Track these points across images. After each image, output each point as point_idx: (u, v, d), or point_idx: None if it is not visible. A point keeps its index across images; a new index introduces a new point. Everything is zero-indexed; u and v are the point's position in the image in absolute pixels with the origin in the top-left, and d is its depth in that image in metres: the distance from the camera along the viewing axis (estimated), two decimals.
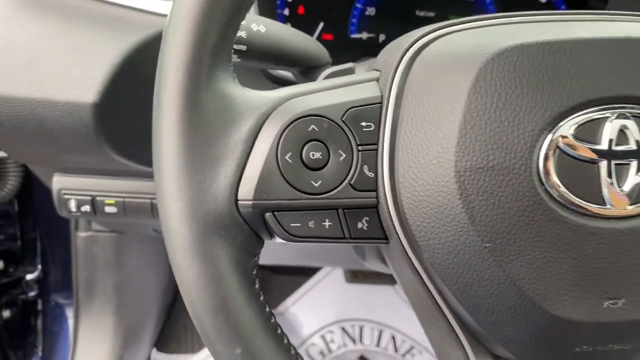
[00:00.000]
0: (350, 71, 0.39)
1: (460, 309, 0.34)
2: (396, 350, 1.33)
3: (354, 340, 1.33)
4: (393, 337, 1.33)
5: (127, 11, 0.54)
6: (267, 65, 0.45)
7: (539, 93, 0.30)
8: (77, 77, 0.49)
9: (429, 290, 0.34)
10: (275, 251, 1.04)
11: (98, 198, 0.64)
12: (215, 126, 0.30)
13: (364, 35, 0.72)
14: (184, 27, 0.29)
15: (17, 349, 1.13)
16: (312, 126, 0.32)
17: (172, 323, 1.24)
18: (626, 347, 0.34)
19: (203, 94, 0.30)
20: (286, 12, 0.71)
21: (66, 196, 0.64)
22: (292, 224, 0.33)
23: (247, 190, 0.31)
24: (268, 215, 0.32)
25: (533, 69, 0.30)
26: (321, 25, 0.71)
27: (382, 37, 0.73)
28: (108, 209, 0.64)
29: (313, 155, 0.32)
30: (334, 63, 0.70)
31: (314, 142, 0.32)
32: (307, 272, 1.41)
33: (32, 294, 1.11)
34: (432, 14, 0.72)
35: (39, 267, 1.10)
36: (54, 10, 0.52)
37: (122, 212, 0.64)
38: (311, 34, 0.72)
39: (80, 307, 1.05)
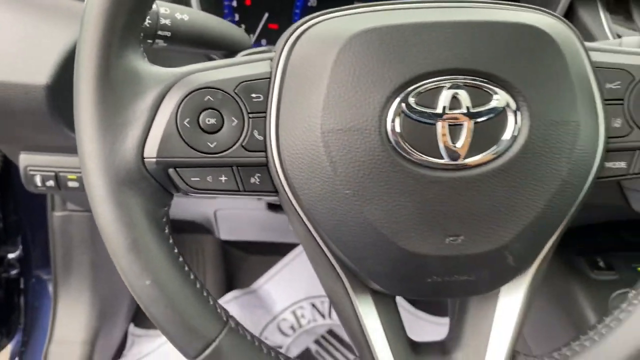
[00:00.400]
0: (265, 52, 0.45)
1: (334, 247, 0.40)
2: None
3: (323, 315, 1.41)
4: None
5: (77, 3, 0.61)
6: (192, 48, 0.51)
7: (387, 67, 0.37)
8: (31, 62, 0.56)
9: (311, 232, 0.41)
10: (245, 228, 1.11)
11: (61, 174, 0.70)
12: (123, 96, 0.37)
13: None
14: (96, 16, 0.36)
15: (1, 325, 1.20)
16: (208, 97, 0.39)
17: None
18: (470, 278, 0.41)
19: (113, 70, 0.37)
20: (234, 3, 0.77)
21: (32, 172, 0.71)
22: (192, 178, 0.39)
23: (151, 149, 0.38)
24: (171, 170, 0.39)
25: (382, 47, 0.37)
26: (266, 15, 0.78)
27: None
28: (70, 184, 0.71)
29: (209, 121, 0.39)
30: None
31: (209, 110, 0.39)
32: (279, 252, 1.48)
33: (14, 272, 1.18)
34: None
35: (20, 246, 1.17)
36: (11, 3, 0.59)
37: (83, 187, 0.70)
38: (257, 23, 0.78)
39: (59, 283, 1.12)
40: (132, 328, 1.32)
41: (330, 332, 1.39)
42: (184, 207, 0.98)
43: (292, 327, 1.39)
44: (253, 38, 0.79)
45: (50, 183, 0.71)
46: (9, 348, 1.22)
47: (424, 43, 0.37)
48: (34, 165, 0.71)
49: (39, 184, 0.71)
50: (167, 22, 0.48)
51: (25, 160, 0.71)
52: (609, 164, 0.42)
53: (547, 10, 0.41)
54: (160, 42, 0.49)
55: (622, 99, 0.41)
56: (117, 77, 0.37)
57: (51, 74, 0.56)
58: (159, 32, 0.48)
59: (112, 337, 1.22)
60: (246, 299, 1.40)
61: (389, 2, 0.41)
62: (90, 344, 1.11)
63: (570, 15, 0.69)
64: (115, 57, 0.37)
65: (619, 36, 0.67)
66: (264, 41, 0.79)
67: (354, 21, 0.39)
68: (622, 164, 0.42)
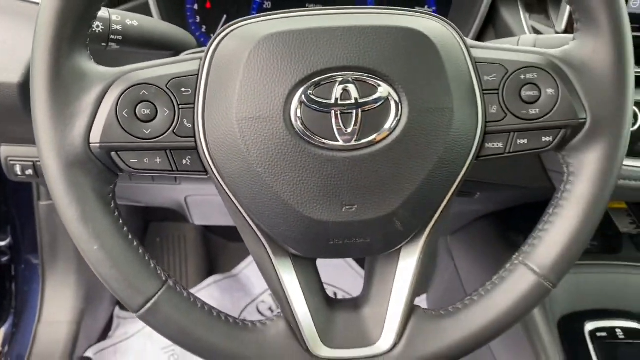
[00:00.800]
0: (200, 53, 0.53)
1: (255, 218, 0.48)
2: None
3: None
4: (335, 294, 1.49)
5: None
6: (142, 49, 0.59)
7: (289, 65, 0.44)
8: (4, 61, 0.64)
9: (235, 205, 0.49)
10: (216, 213, 1.18)
11: (38, 163, 0.78)
12: (72, 92, 0.45)
13: None
14: (47, 24, 0.43)
15: None
16: (144, 91, 0.46)
17: None
18: (366, 240, 0.48)
19: (63, 69, 0.44)
20: (195, 6, 0.85)
21: (12, 162, 0.78)
22: (131, 160, 0.47)
23: (95, 136, 0.45)
24: (113, 154, 0.46)
25: (285, 48, 0.44)
26: (225, 17, 0.85)
27: None
28: None
29: (144, 111, 0.46)
30: None
31: (145, 102, 0.46)
32: None
33: (4, 259, 1.26)
34: (320, 5, 0.86)
35: (10, 235, 1.24)
36: None
37: None
38: (217, 24, 0.86)
39: (46, 267, 1.20)
40: (117, 311, 1.40)
41: None
42: (155, 194, 1.05)
43: (271, 309, 1.47)
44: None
45: (29, 172, 0.79)
46: (2, 330, 1.31)
47: (319, 45, 0.44)
48: (14, 156, 0.78)
49: (19, 172, 0.79)
50: (119, 27, 0.56)
51: (5, 151, 0.78)
52: (488, 145, 0.49)
53: (437, 16, 0.49)
54: (113, 45, 0.57)
55: (497, 89, 0.48)
56: (66, 75, 0.44)
57: (23, 73, 0.64)
58: (112, 36, 0.56)
59: (98, 319, 1.30)
60: (227, 282, 1.48)
61: (300, 10, 0.48)
62: (77, 324, 1.19)
63: (493, 13, 0.77)
64: (64, 59, 0.44)
65: (539, 32, 0.75)
66: None
67: (265, 26, 0.46)
68: (499, 145, 0.49)
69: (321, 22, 0.46)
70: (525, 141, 0.49)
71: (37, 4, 0.69)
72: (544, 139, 0.49)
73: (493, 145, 0.49)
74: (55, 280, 1.20)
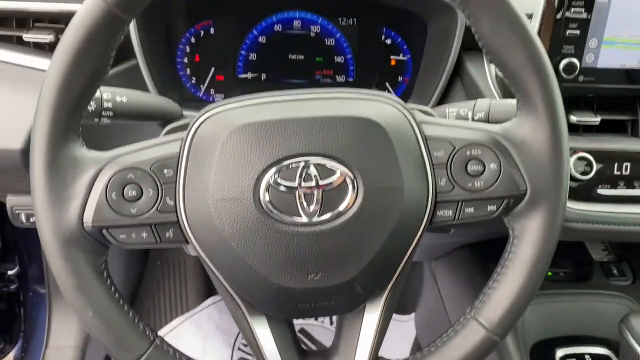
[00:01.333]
0: (184, 127, 0.59)
1: (230, 282, 0.54)
2: (332, 323, 1.55)
3: None
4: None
5: (43, 74, 0.74)
6: (132, 121, 0.65)
7: (257, 152, 0.50)
8: (7, 128, 0.70)
9: (214, 272, 0.54)
10: None
11: None
12: (66, 178, 0.51)
13: (249, 75, 0.92)
14: (43, 120, 0.49)
15: (4, 334, 1.35)
16: (130, 174, 0.52)
17: (136, 309, 1.46)
18: (331, 303, 0.54)
19: (58, 157, 0.50)
20: (185, 60, 0.91)
21: (17, 211, 0.85)
22: (120, 236, 0.53)
23: (88, 217, 0.51)
24: (104, 231, 0.52)
25: (254, 138, 0.50)
26: (213, 69, 0.91)
27: (263, 76, 0.92)
28: None
29: (131, 193, 0.52)
30: (226, 97, 0.91)
31: (131, 184, 0.52)
32: None
33: (13, 286, 1.32)
34: (301, 57, 0.92)
35: (18, 264, 1.31)
36: None
37: None
38: (206, 76, 0.91)
39: (52, 296, 1.27)
40: None
41: (302, 330, 1.53)
42: None
43: None
44: (203, 88, 0.92)
45: (33, 219, 0.85)
46: (12, 354, 1.38)
47: (284, 134, 0.50)
48: (19, 205, 0.85)
49: (24, 220, 0.85)
50: (109, 104, 0.62)
51: (11, 201, 0.85)
52: (439, 213, 0.55)
53: (391, 98, 0.54)
54: (105, 120, 0.63)
55: (445, 164, 0.54)
56: (61, 163, 0.50)
57: (25, 139, 0.70)
58: (103, 113, 0.62)
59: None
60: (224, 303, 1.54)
61: (269, 95, 0.54)
62: (82, 349, 1.26)
63: (459, 67, 0.82)
64: (58, 149, 0.50)
65: (502, 80, 0.80)
66: (212, 90, 0.92)
67: (239, 115, 0.52)
68: (449, 213, 0.55)
69: (287, 113, 0.52)
70: (472, 210, 0.55)
71: (39, 70, 0.75)
72: (489, 208, 0.55)
73: (444, 213, 0.55)
74: (61, 308, 1.26)
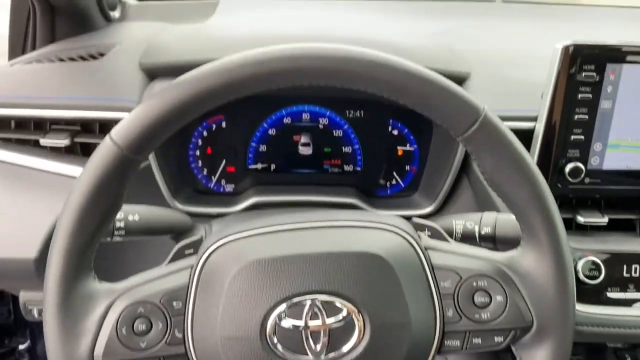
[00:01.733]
0: (194, 244, 0.60)
1: None
2: None
3: None
4: None
5: (61, 178, 0.76)
6: (145, 237, 0.67)
7: (265, 291, 0.51)
8: (21, 238, 0.72)
9: None
10: None
11: None
12: (78, 313, 0.52)
13: (259, 166, 0.94)
14: (56, 262, 0.51)
15: None
16: (140, 308, 0.53)
17: None
18: None
19: (71, 295, 0.51)
20: (197, 152, 0.93)
21: (30, 307, 0.86)
22: None
23: (98, 351, 0.52)
24: None
25: (262, 275, 0.51)
26: (224, 161, 0.93)
27: (273, 166, 0.94)
28: None
29: (140, 327, 0.53)
30: (235, 189, 0.92)
31: (141, 317, 0.53)
32: None
33: None
34: (309, 149, 0.93)
35: (29, 338, 1.32)
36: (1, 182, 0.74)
37: None
38: (217, 167, 0.93)
39: None
40: None
41: None
42: None
43: None
44: (214, 179, 0.94)
45: None
46: None
47: (291, 272, 0.51)
48: (32, 300, 0.86)
49: (36, 315, 0.86)
50: (122, 224, 0.64)
51: (24, 297, 0.86)
52: (447, 342, 0.55)
53: (398, 226, 0.55)
54: (117, 238, 0.64)
55: (452, 294, 0.54)
56: (73, 299, 0.51)
57: (39, 249, 0.71)
58: (116, 232, 0.63)
59: None
60: None
61: (281, 225, 0.55)
62: None
63: (466, 163, 0.83)
64: (72, 286, 0.51)
65: None
66: (223, 181, 0.94)
67: (246, 249, 0.53)
68: (457, 343, 0.55)
69: (294, 248, 0.53)
70: (480, 340, 0.55)
71: (55, 174, 0.77)
72: (496, 339, 0.55)
73: (451, 343, 0.55)
74: None
